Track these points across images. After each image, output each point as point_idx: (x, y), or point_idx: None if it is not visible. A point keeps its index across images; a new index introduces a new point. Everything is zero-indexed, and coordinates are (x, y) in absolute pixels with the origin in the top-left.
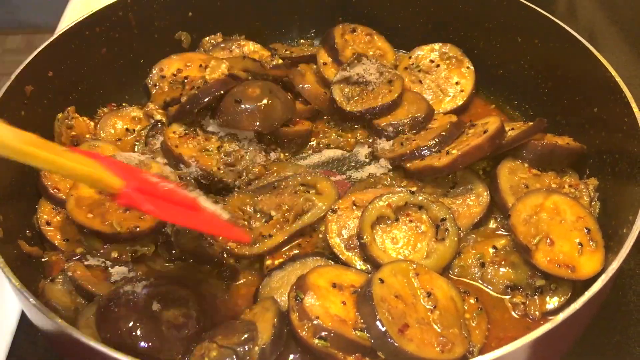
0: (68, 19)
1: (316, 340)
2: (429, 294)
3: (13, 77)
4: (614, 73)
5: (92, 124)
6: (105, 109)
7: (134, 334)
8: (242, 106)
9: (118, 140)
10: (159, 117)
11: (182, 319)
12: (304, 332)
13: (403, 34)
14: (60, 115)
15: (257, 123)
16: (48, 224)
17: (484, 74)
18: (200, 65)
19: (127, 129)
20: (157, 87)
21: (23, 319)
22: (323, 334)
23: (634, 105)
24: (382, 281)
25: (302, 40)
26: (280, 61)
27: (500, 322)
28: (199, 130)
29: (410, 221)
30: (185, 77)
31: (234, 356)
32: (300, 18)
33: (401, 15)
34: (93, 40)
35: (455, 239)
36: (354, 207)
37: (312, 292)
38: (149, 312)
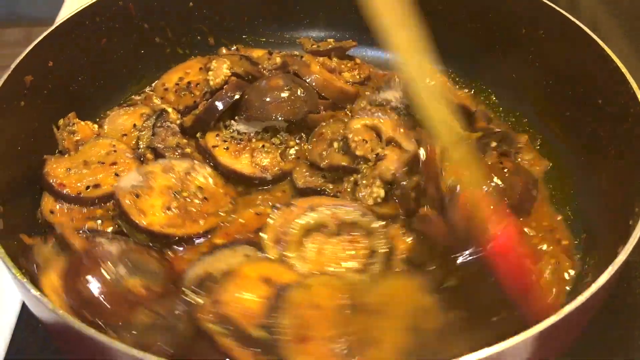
0: (67, 12)
1: (212, 325)
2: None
3: (13, 67)
4: (620, 64)
5: (95, 126)
6: (110, 112)
7: (90, 287)
8: (269, 97)
9: (124, 135)
10: (163, 106)
11: (143, 291)
12: (208, 315)
13: None
14: (61, 121)
15: (287, 111)
16: (52, 212)
17: (487, 68)
18: (200, 69)
19: (134, 125)
20: (162, 99)
21: (24, 310)
22: (224, 321)
23: None
24: (301, 288)
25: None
26: (279, 60)
27: None
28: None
29: (350, 241)
30: (189, 83)
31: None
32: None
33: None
34: (93, 30)
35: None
36: (309, 209)
37: (238, 279)
38: (112, 273)
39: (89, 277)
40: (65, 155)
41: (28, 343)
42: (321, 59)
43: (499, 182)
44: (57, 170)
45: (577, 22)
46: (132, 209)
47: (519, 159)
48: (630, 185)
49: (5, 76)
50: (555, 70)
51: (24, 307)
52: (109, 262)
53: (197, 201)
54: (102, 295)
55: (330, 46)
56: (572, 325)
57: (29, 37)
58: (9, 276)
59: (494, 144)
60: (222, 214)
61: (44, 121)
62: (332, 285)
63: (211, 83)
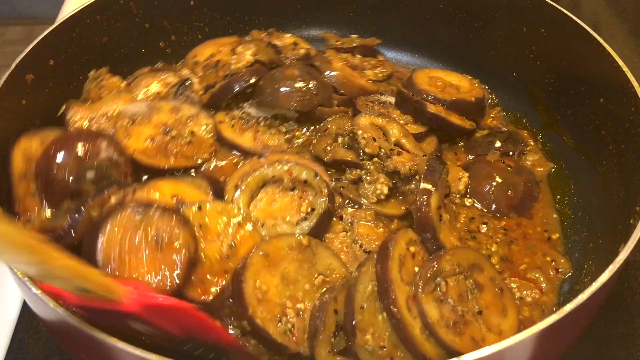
0: (68, 10)
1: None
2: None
3: (14, 65)
4: (621, 63)
5: (123, 84)
6: (145, 69)
7: (60, 167)
8: (282, 86)
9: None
10: (189, 76)
11: (88, 197)
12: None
13: (403, 22)
14: (92, 73)
15: (297, 101)
16: None
17: (488, 66)
18: (232, 50)
19: (158, 93)
20: (191, 72)
21: (25, 308)
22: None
23: None
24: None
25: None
26: (303, 51)
27: None
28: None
29: (300, 197)
30: (218, 62)
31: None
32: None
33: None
34: (94, 28)
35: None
36: (273, 162)
37: (151, 190)
38: (79, 171)
39: (64, 160)
40: (88, 103)
41: (28, 343)
42: (344, 55)
43: (500, 181)
44: (79, 119)
45: (579, 20)
46: (121, 130)
47: (524, 159)
48: (632, 184)
49: (6, 75)
50: (556, 69)
51: (24, 306)
52: (87, 161)
53: (182, 141)
54: (60, 178)
55: (354, 44)
56: (573, 324)
57: (31, 35)
58: (10, 275)
59: (498, 144)
60: (199, 160)
61: (44, 119)
62: (226, 214)
63: (232, 67)
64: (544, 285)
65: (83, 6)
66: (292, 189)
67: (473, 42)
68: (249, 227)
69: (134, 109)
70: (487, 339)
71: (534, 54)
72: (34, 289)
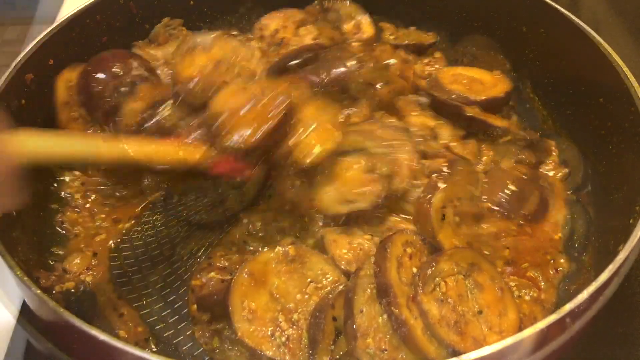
0: (68, 10)
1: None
2: None
3: (14, 65)
4: (621, 63)
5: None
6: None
7: (96, 86)
8: (332, 66)
9: None
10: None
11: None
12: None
13: (402, 22)
14: (166, 19)
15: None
16: None
17: (486, 66)
18: (297, 28)
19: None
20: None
21: (25, 308)
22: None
23: None
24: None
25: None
26: (365, 36)
27: None
28: None
29: (367, 182)
30: (282, 40)
31: None
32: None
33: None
34: (94, 28)
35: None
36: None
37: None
38: (125, 79)
39: (100, 78)
40: (153, 45)
41: (28, 342)
42: (397, 50)
43: (513, 188)
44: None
45: (579, 20)
46: (181, 52)
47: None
48: (631, 184)
49: (6, 74)
50: (556, 69)
51: (25, 306)
52: (122, 78)
53: (231, 70)
54: (97, 91)
55: (406, 41)
56: (573, 323)
57: (30, 35)
58: (10, 275)
59: (517, 150)
60: None
61: (44, 119)
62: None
63: (291, 48)
64: (542, 284)
65: (83, 6)
66: (370, 171)
67: (472, 42)
68: (317, 150)
69: (199, 38)
70: (488, 339)
71: (534, 54)
72: (34, 289)
